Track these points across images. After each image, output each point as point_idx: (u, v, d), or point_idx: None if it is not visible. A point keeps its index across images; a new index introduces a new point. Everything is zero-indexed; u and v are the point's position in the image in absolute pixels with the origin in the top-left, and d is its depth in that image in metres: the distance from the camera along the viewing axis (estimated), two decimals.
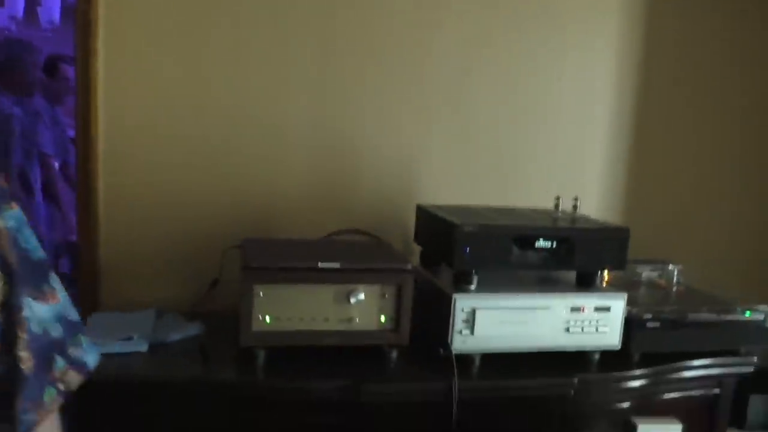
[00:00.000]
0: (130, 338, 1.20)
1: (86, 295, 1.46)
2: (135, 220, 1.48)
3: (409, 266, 1.21)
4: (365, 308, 1.20)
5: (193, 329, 1.31)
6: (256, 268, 1.14)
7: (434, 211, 1.35)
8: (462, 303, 1.21)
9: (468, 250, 1.21)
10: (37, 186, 2.43)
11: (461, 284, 1.24)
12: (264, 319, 1.16)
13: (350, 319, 1.19)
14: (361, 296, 1.18)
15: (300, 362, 1.18)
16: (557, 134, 1.74)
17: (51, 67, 2.73)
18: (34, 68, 2.40)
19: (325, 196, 1.58)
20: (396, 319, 1.21)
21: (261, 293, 1.15)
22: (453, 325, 1.20)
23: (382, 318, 1.21)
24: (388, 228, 1.61)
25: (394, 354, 1.23)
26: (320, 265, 1.17)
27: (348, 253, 1.26)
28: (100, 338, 1.18)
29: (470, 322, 1.21)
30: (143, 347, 1.20)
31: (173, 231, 1.50)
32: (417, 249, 1.54)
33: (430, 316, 1.28)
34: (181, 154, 1.49)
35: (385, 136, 1.61)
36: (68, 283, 1.45)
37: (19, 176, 2.21)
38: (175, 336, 1.28)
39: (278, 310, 1.16)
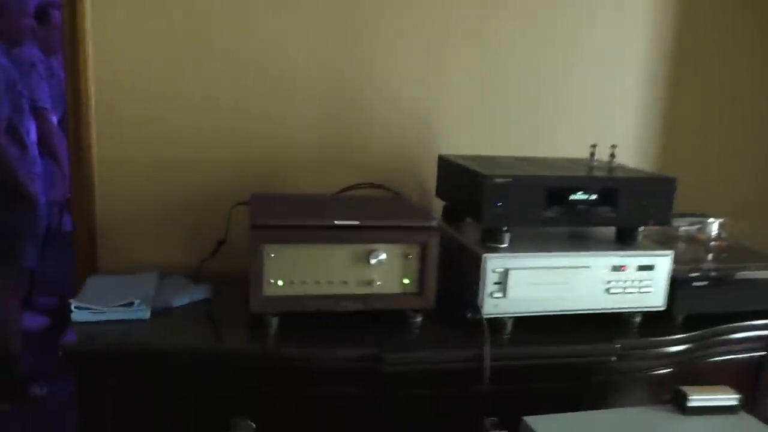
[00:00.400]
0: (130, 303, 1.09)
1: (83, 256, 1.36)
2: (133, 177, 1.36)
3: (435, 223, 1.10)
4: (387, 270, 1.09)
5: (199, 293, 1.21)
6: (265, 227, 1.03)
7: (459, 162, 1.23)
8: (493, 263, 1.09)
9: (499, 205, 1.09)
10: (31, 140, 2.30)
11: (491, 242, 1.12)
12: (276, 282, 1.05)
13: (370, 282, 1.08)
14: (382, 257, 1.07)
15: (316, 329, 1.08)
16: (587, 79, 1.59)
17: (42, 13, 2.56)
18: (22, 15, 2.24)
19: (337, 149, 1.46)
20: (420, 281, 1.10)
21: (272, 254, 1.04)
22: (483, 288, 1.09)
23: (405, 280, 1.10)
24: (405, 182, 1.48)
25: (419, 319, 1.13)
26: (337, 222, 1.05)
27: (366, 209, 1.15)
28: (98, 304, 1.09)
29: (502, 283, 1.10)
30: (145, 314, 1.10)
31: (174, 188, 1.38)
32: (438, 205, 1.42)
33: (456, 278, 1.17)
34: (180, 106, 1.36)
35: (400, 83, 1.47)
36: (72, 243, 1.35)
37: (8, 130, 2.08)
38: (180, 300, 1.17)
39: (291, 273, 1.05)
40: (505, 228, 1.12)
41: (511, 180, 1.09)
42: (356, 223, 1.06)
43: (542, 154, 1.42)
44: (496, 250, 1.11)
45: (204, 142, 1.38)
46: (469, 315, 1.14)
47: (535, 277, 1.11)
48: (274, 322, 1.07)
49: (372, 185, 1.39)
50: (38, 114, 2.42)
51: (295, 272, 1.05)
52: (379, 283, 1.08)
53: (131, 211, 1.37)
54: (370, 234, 1.06)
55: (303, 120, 1.43)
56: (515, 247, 1.13)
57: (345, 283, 1.08)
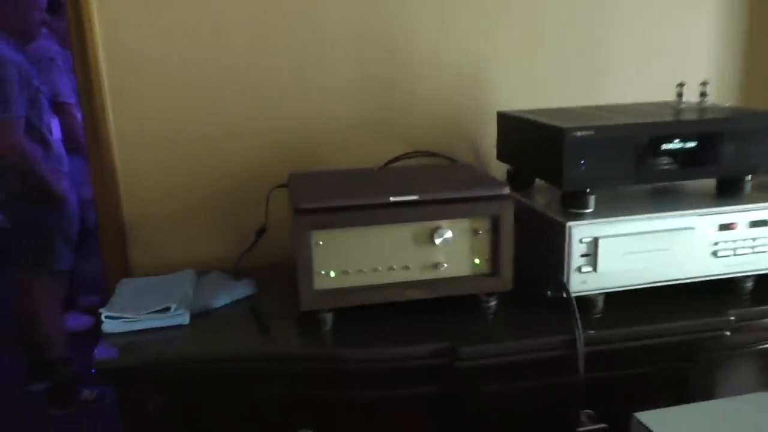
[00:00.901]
0: (167, 309, 0.97)
1: (113, 257, 1.24)
2: (158, 165, 1.23)
3: (506, 190, 0.93)
4: (454, 249, 0.93)
5: (241, 289, 1.08)
6: (310, 211, 0.88)
7: (526, 117, 1.05)
8: (579, 232, 0.92)
9: (582, 163, 0.92)
10: (55, 137, 2.20)
11: (574, 208, 0.95)
12: (327, 273, 0.91)
13: (436, 265, 0.93)
14: (448, 235, 0.91)
15: (377, 324, 0.94)
16: (657, 14, 1.39)
17: (55, 4, 2.45)
18: (33, 7, 2.12)
19: (379, 115, 1.29)
20: (494, 260, 0.94)
21: (320, 242, 0.89)
22: (569, 261, 0.93)
23: (476, 260, 0.94)
24: (457, 147, 1.32)
25: (493, 303, 0.97)
26: (392, 199, 0.90)
27: (423, 181, 0.99)
28: (130, 311, 0.96)
29: (591, 255, 0.93)
30: (184, 318, 0.97)
31: (203, 176, 1.24)
32: (498, 170, 1.25)
33: (532, 253, 1.01)
34: (202, 81, 1.21)
35: (443, 34, 1.29)
36: None
37: (28, 128, 1.98)
38: (222, 300, 1.04)
39: (345, 262, 0.91)
40: (589, 189, 0.95)
41: (593, 132, 0.92)
42: (415, 197, 0.90)
43: (612, 103, 1.24)
44: (580, 216, 0.94)
45: (231, 121, 1.24)
46: (550, 293, 0.98)
47: (630, 245, 0.94)
48: (329, 318, 0.93)
49: (423, 153, 1.23)
50: (61, 109, 2.33)
51: (348, 260, 0.91)
52: (446, 265, 0.93)
53: (159, 203, 1.24)
54: (431, 210, 0.90)
55: (338, 85, 1.27)
56: (602, 211, 0.96)
57: (407, 268, 0.93)
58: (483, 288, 0.95)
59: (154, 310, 0.96)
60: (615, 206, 0.97)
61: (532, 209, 1.02)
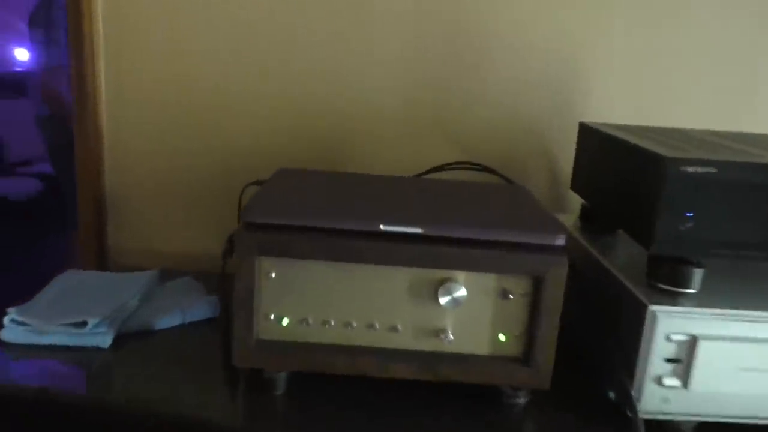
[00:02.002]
0: (83, 323, 0.74)
1: (87, 237, 1.04)
2: (151, 136, 1.01)
3: (561, 240, 0.61)
4: (468, 315, 0.63)
5: (200, 310, 0.83)
6: (261, 227, 0.61)
7: (613, 134, 0.72)
8: (669, 323, 0.59)
9: (690, 215, 0.58)
10: None
11: (668, 283, 0.61)
12: (278, 320, 0.63)
13: (438, 332, 0.63)
14: (461, 292, 0.61)
15: (348, 404, 0.65)
16: None
17: None
18: None
19: (428, 110, 1.00)
20: (528, 340, 0.63)
21: (272, 273, 0.62)
22: (645, 366, 0.60)
23: (501, 336, 0.63)
24: (525, 168, 1.00)
25: (521, 401, 0.66)
26: (384, 228, 0.60)
27: (446, 205, 0.68)
28: (41, 318, 0.74)
29: (684, 363, 0.59)
30: (104, 340, 0.74)
31: (204, 155, 1.02)
32: (574, 203, 0.92)
33: (592, 329, 0.68)
34: (210, 38, 0.97)
35: (530, 17, 0.98)
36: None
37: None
38: (169, 321, 0.80)
39: (305, 306, 0.63)
40: (697, 260, 0.61)
41: (714, 170, 0.58)
42: (417, 231, 0.60)
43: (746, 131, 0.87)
44: (675, 298, 0.60)
45: (243, 93, 0.99)
46: (612, 396, 0.65)
47: (749, 356, 0.59)
48: (282, 379, 0.66)
49: (472, 166, 0.93)
50: None
51: (310, 305, 0.63)
52: (452, 337, 0.63)
53: (148, 178, 1.03)
54: (440, 252, 0.60)
55: (383, 63, 0.99)
56: (710, 296, 0.61)
57: (394, 330, 0.63)
58: (506, 378, 0.63)
59: (67, 322, 0.74)
60: (732, 291, 0.62)
61: (603, 268, 0.69)
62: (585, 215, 0.83)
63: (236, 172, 1.01)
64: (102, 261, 1.04)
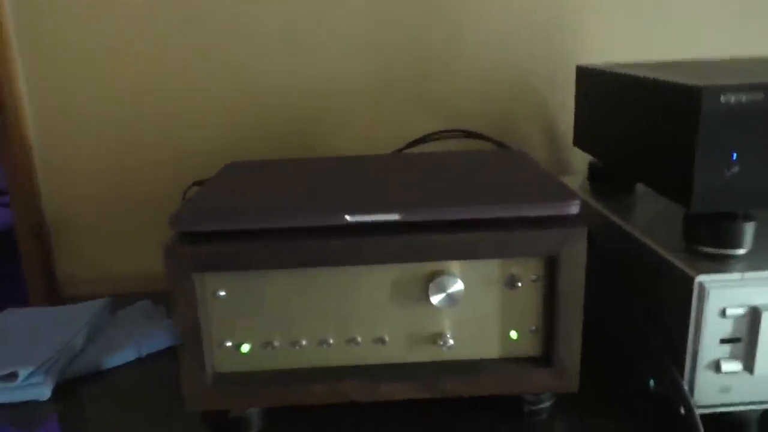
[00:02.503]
0: (12, 375, 0.61)
1: (32, 270, 0.91)
2: (89, 147, 0.89)
3: (575, 207, 0.48)
4: (469, 313, 0.51)
5: (160, 338, 0.71)
6: (198, 236, 0.48)
7: (625, 72, 0.59)
8: (722, 295, 0.46)
9: (734, 158, 0.46)
10: None
11: (713, 246, 0.49)
12: (237, 346, 0.51)
13: (435, 338, 0.51)
14: (457, 287, 0.49)
15: (335, 427, 0.53)
16: None
17: None
18: None
19: (402, 79, 0.87)
20: (547, 334, 0.51)
21: (221, 292, 0.50)
22: (697, 349, 0.47)
23: (513, 333, 0.51)
24: (518, 129, 0.88)
25: (545, 406, 0.54)
26: (349, 219, 0.48)
27: (429, 182, 0.56)
28: None
29: (744, 340, 0.47)
30: (41, 392, 0.62)
31: (153, 160, 0.89)
32: (577, 161, 0.80)
33: (622, 315, 0.56)
34: (138, 33, 0.84)
35: None
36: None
37: None
38: (123, 356, 0.68)
39: (267, 326, 0.51)
40: (744, 212, 0.48)
41: (761, 96, 0.45)
42: (393, 218, 0.48)
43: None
44: (724, 264, 0.48)
45: (184, 94, 0.86)
46: (656, 389, 0.54)
47: None
48: (255, 416, 0.54)
49: (459, 133, 0.80)
50: None
51: (275, 324, 0.51)
52: (451, 341, 0.50)
53: (92, 197, 0.90)
54: (425, 240, 0.47)
55: (344, 34, 0.86)
56: (764, 255, 0.49)
57: (381, 342, 0.51)
58: (524, 384, 0.51)
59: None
60: None
61: (628, 236, 0.57)
62: (595, 174, 0.71)
63: (188, 176, 0.89)
64: (52, 293, 0.92)
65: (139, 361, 0.69)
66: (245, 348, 0.51)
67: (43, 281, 0.92)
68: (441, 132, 0.85)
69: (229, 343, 0.51)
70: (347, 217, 0.48)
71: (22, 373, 0.61)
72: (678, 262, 0.48)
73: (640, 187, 0.69)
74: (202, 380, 0.50)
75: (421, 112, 0.89)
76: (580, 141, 0.72)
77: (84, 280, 0.92)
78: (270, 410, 0.55)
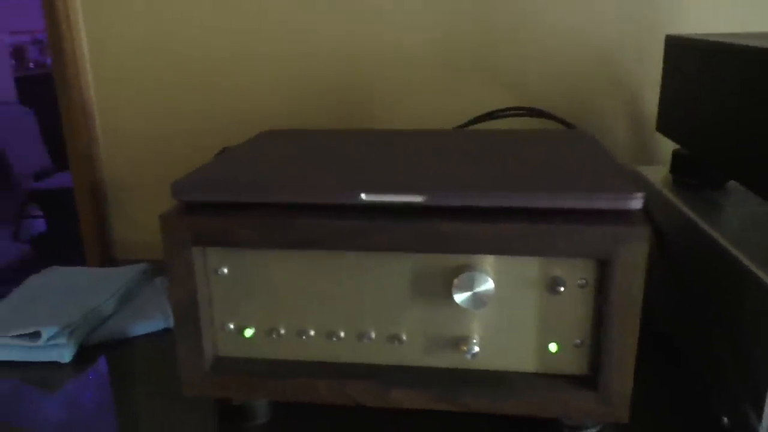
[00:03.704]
0: (35, 334, 0.61)
1: (89, 229, 0.92)
2: (145, 112, 0.87)
3: (638, 201, 0.40)
4: (502, 317, 0.43)
5: None
6: (200, 207, 0.44)
7: (724, 41, 0.49)
8: None
9: None
10: None
11: None
12: (240, 330, 0.47)
13: (459, 343, 0.44)
14: (486, 286, 0.41)
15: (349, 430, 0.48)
16: None
17: None
18: None
19: (470, 49, 0.79)
20: (594, 350, 0.42)
21: (224, 269, 0.45)
22: None
23: (552, 346, 0.43)
24: (594, 106, 0.78)
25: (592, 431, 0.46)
26: (365, 197, 0.41)
27: (471, 163, 0.48)
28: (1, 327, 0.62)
29: None
30: (62, 354, 0.60)
31: (210, 130, 0.86)
32: (663, 149, 0.70)
33: (696, 333, 0.46)
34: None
35: None
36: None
37: None
38: (149, 326, 0.66)
39: (274, 311, 0.46)
40: None
41: None
42: (416, 199, 0.41)
43: None
44: None
45: (249, 46, 0.83)
46: (726, 422, 0.44)
47: None
48: (263, 407, 0.50)
49: (519, 111, 0.71)
50: None
51: (282, 310, 0.46)
52: (476, 349, 0.43)
53: (149, 161, 0.89)
54: (452, 228, 0.40)
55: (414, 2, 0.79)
56: None
57: (397, 340, 0.45)
58: (560, 407, 0.43)
59: (17, 333, 0.61)
60: None
61: (708, 240, 0.47)
62: (679, 165, 0.60)
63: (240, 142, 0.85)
64: (107, 256, 0.92)
65: (167, 331, 0.66)
66: (248, 332, 0.46)
67: (99, 244, 0.92)
68: (506, 109, 0.76)
69: (231, 326, 0.46)
70: (363, 196, 0.41)
71: (45, 333, 0.60)
72: (761, 272, 0.38)
73: (733, 184, 0.58)
74: (200, 363, 0.46)
75: (487, 86, 0.81)
76: (664, 125, 0.61)
77: (138, 244, 0.92)
78: (277, 409, 0.50)
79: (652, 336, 0.57)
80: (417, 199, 0.41)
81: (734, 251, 0.43)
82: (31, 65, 4.14)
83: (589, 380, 0.43)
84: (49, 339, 0.60)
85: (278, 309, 0.45)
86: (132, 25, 0.84)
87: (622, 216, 0.40)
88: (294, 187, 0.43)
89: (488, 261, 0.42)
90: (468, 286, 0.42)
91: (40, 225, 3.28)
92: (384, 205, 0.42)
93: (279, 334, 0.46)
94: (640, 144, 0.76)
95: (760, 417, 0.39)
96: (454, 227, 0.41)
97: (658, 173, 0.65)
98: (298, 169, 0.46)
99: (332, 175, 0.44)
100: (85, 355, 0.62)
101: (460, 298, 0.42)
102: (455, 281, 0.42)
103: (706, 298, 0.46)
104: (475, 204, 0.41)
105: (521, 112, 0.69)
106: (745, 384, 0.41)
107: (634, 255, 0.39)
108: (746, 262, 0.41)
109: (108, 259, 0.93)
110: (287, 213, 0.42)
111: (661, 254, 0.49)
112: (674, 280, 0.50)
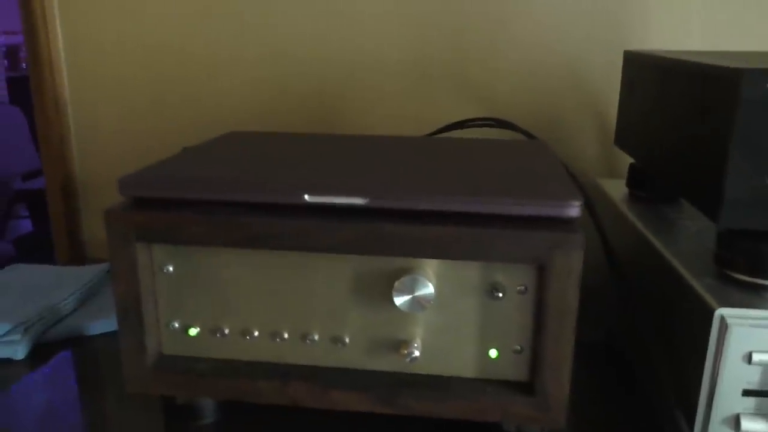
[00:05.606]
0: None
1: (60, 236, 0.92)
2: (121, 111, 0.88)
3: (574, 209, 0.40)
4: (443, 321, 0.43)
5: None
6: (146, 203, 0.44)
7: (671, 57, 0.49)
8: (749, 337, 0.37)
9: None
10: None
11: (747, 271, 0.39)
12: (185, 329, 0.47)
13: (399, 347, 0.44)
14: (425, 290, 0.42)
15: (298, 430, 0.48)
16: None
17: None
18: None
19: (442, 61, 0.80)
20: (534, 356, 0.43)
21: (169, 267, 0.45)
22: (713, 400, 0.38)
23: (492, 352, 0.44)
24: (561, 119, 0.78)
25: None
26: (308, 198, 0.42)
27: (420, 169, 0.49)
28: None
29: None
30: (15, 351, 0.60)
31: (180, 130, 0.87)
32: (626, 164, 0.70)
33: (643, 344, 0.47)
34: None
35: None
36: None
37: None
38: (104, 325, 0.66)
39: (219, 311, 0.46)
40: None
41: None
42: (358, 201, 0.41)
43: None
44: (758, 298, 0.38)
45: (223, 47, 0.83)
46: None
47: None
48: (210, 409, 0.50)
49: (485, 122, 0.72)
50: None
51: (227, 310, 0.46)
52: (416, 353, 0.43)
53: (121, 158, 0.89)
54: (393, 231, 0.41)
55: (383, 7, 0.80)
56: None
57: (339, 342, 0.45)
58: (499, 411, 0.43)
59: None
60: None
61: (654, 253, 0.47)
62: (634, 179, 0.61)
63: None
64: (77, 254, 0.92)
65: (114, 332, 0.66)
66: (193, 331, 0.46)
67: (70, 243, 0.92)
68: (476, 119, 0.77)
69: (176, 324, 0.46)
70: (306, 197, 0.42)
71: (0, 329, 0.60)
72: (699, 288, 0.39)
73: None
74: (143, 361, 0.46)
75: (457, 95, 0.81)
76: (620, 139, 0.62)
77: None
78: (226, 402, 0.50)
79: (607, 350, 0.57)
80: (359, 201, 0.42)
81: (671, 259, 0.44)
82: (24, 66, 4.15)
83: (528, 385, 0.43)
84: (2, 336, 0.60)
85: (223, 308, 0.46)
86: (107, 24, 0.84)
87: (558, 223, 0.40)
88: (239, 185, 0.43)
89: (430, 265, 0.43)
90: (408, 289, 0.42)
91: (26, 225, 3.27)
92: (327, 207, 0.42)
93: (223, 334, 0.46)
94: (604, 157, 0.77)
95: (691, 424, 0.39)
96: (395, 229, 0.41)
97: (619, 187, 0.66)
98: (248, 169, 0.47)
99: (279, 176, 0.45)
100: (40, 353, 0.62)
101: (400, 301, 0.42)
102: (396, 284, 0.42)
103: (646, 307, 0.46)
104: (415, 207, 0.41)
105: (490, 122, 0.70)
106: (679, 395, 0.41)
107: (569, 261, 0.40)
108: (680, 269, 0.42)
109: (79, 257, 0.93)
110: (233, 211, 0.43)
111: (611, 264, 0.49)
112: (620, 290, 0.50)
